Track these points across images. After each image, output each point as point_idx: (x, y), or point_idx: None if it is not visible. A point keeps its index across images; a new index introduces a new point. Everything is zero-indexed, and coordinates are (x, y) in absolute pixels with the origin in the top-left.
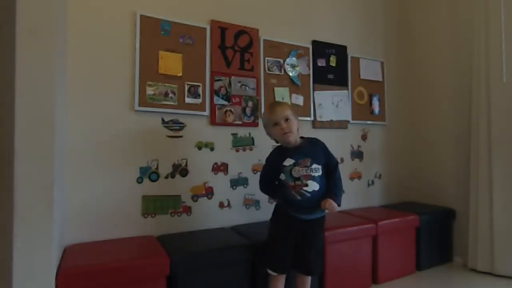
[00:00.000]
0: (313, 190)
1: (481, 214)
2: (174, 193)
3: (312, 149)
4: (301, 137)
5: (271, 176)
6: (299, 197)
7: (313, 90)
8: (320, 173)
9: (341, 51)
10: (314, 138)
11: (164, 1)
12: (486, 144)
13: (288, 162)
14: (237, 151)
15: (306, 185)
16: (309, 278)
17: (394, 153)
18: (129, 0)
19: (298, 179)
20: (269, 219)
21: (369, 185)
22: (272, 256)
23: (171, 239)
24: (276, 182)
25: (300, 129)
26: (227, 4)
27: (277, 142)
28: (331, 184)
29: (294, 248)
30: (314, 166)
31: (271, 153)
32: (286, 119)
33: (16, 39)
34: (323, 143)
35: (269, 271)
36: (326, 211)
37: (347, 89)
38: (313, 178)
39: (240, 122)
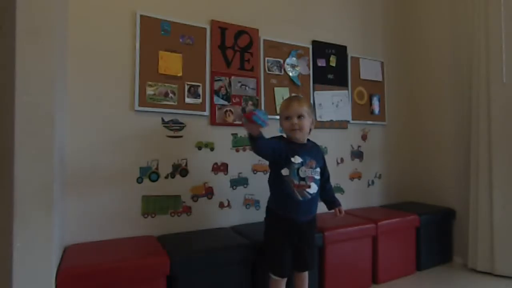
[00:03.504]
0: (313, 193)
1: (481, 214)
2: (174, 193)
3: (316, 153)
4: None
5: (273, 144)
6: (300, 197)
7: (313, 90)
8: (319, 176)
9: (341, 51)
10: (316, 144)
11: (164, 1)
12: (486, 145)
13: (297, 160)
14: (237, 151)
15: (309, 187)
16: (306, 274)
17: (394, 153)
18: (129, 0)
19: (303, 179)
20: None
21: (369, 185)
22: (275, 262)
23: (171, 239)
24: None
25: (312, 129)
26: (227, 4)
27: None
28: (332, 194)
29: (293, 249)
30: (317, 169)
31: (276, 137)
32: (299, 116)
33: (16, 39)
34: (322, 151)
35: (273, 276)
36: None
37: (347, 89)
38: (314, 181)
39: (240, 122)
